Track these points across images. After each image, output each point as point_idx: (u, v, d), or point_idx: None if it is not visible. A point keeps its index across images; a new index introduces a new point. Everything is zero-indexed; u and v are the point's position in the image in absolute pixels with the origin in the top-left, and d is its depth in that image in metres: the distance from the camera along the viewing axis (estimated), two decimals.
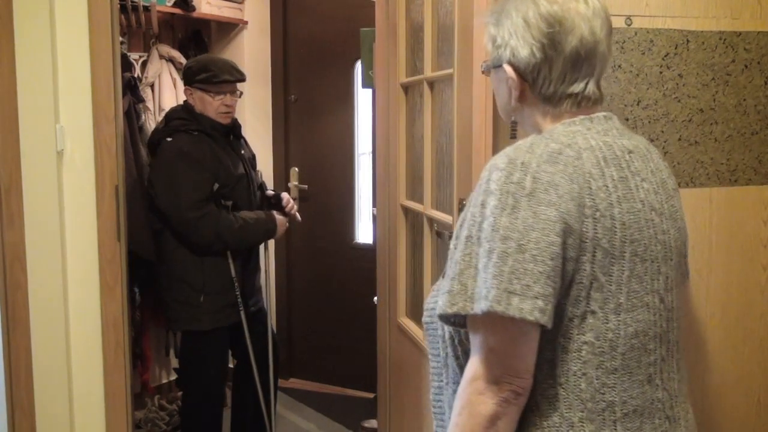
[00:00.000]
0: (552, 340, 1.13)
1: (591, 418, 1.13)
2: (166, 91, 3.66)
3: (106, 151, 2.36)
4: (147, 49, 3.69)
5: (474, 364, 1.11)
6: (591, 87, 1.22)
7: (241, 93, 3.06)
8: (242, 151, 3.09)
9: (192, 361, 3.04)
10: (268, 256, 3.36)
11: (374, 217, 3.09)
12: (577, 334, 1.12)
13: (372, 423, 3.38)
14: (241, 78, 3.01)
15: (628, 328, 1.14)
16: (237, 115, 3.11)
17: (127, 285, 2.49)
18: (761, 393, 1.90)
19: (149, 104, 3.59)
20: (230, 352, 3.19)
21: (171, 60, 3.74)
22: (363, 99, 4.05)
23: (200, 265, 2.92)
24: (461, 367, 1.20)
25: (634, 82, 1.73)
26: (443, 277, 1.29)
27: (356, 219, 4.18)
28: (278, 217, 3.11)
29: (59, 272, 2.32)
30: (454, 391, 1.22)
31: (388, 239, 2.65)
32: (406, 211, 2.56)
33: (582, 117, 1.21)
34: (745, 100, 1.81)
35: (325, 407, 3.95)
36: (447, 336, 1.23)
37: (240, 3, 4.04)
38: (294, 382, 4.26)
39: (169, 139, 2.90)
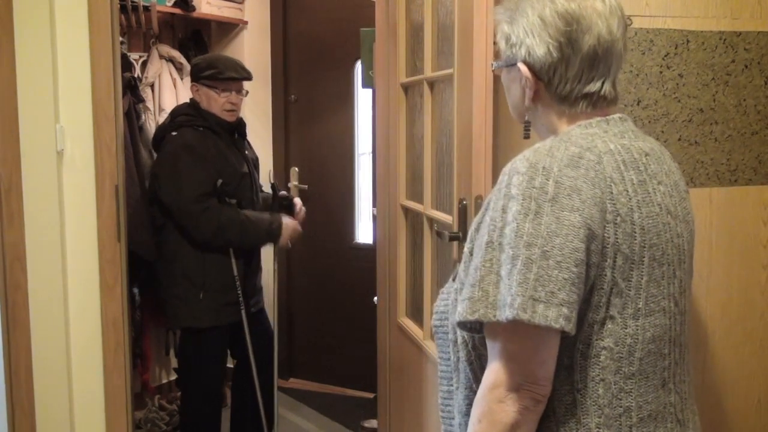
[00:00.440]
0: (571, 347, 1.12)
1: (608, 424, 1.12)
2: (166, 91, 3.66)
3: (106, 151, 2.36)
4: (147, 49, 3.69)
5: (493, 372, 1.10)
6: (607, 86, 1.21)
7: (247, 92, 3.08)
8: (246, 152, 3.10)
9: (190, 360, 3.04)
10: (276, 253, 3.33)
11: (374, 217, 3.09)
12: (596, 340, 1.12)
13: (372, 423, 3.38)
14: (247, 76, 3.03)
15: (646, 333, 1.14)
16: None
17: (127, 285, 2.49)
18: (761, 393, 1.90)
19: (149, 104, 3.59)
20: (230, 352, 3.19)
21: (171, 60, 3.74)
22: (363, 99, 4.05)
23: (202, 262, 2.92)
24: (474, 372, 1.19)
25: (634, 82, 1.73)
26: (453, 279, 1.28)
27: (356, 219, 4.18)
28: (287, 220, 3.05)
29: (59, 272, 2.32)
30: (466, 396, 1.22)
31: (388, 239, 2.65)
32: (406, 211, 2.56)
33: (598, 119, 1.20)
34: (745, 100, 1.80)
35: (325, 407, 3.95)
36: (460, 340, 1.21)
37: (240, 3, 4.04)
38: (294, 382, 4.26)
39: (174, 134, 2.92)
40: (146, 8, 3.51)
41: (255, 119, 4.09)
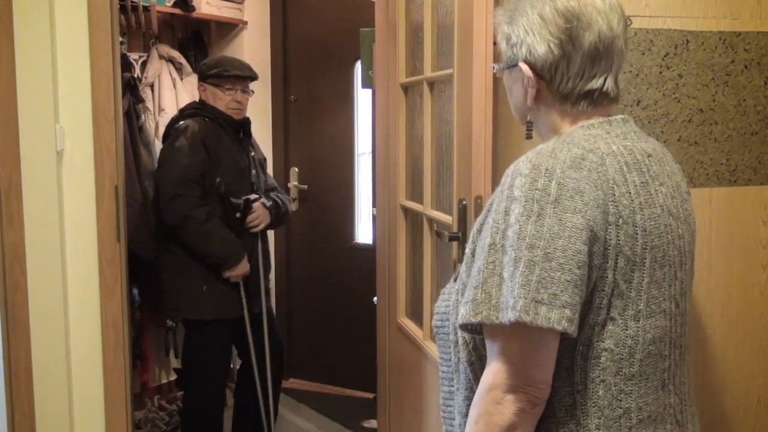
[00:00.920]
0: (571, 348, 1.12)
1: (608, 425, 1.12)
2: (166, 91, 3.66)
3: (106, 151, 2.36)
4: (147, 49, 3.69)
5: (492, 373, 1.10)
6: (609, 83, 1.21)
7: (253, 92, 3.12)
8: (252, 153, 3.11)
9: (194, 354, 3.04)
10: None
11: (374, 217, 3.09)
12: (597, 341, 1.12)
13: (372, 423, 3.38)
14: (252, 75, 3.08)
15: (647, 334, 1.14)
16: None
17: (127, 285, 2.49)
18: (761, 393, 1.90)
19: (149, 104, 3.60)
20: (236, 352, 3.19)
21: (171, 60, 3.74)
22: (363, 99, 4.05)
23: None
24: (475, 373, 1.19)
25: (633, 82, 1.73)
26: (454, 280, 1.28)
27: (356, 219, 4.18)
28: (244, 263, 2.95)
29: (59, 272, 2.32)
30: (466, 397, 1.22)
31: (388, 239, 2.65)
32: (406, 211, 2.56)
33: (601, 120, 1.20)
34: (744, 100, 1.80)
35: (325, 407, 3.95)
36: (461, 341, 1.21)
37: (240, 3, 4.04)
38: (294, 382, 4.26)
39: (181, 122, 2.98)
40: (146, 8, 3.51)
41: (255, 119, 4.06)
